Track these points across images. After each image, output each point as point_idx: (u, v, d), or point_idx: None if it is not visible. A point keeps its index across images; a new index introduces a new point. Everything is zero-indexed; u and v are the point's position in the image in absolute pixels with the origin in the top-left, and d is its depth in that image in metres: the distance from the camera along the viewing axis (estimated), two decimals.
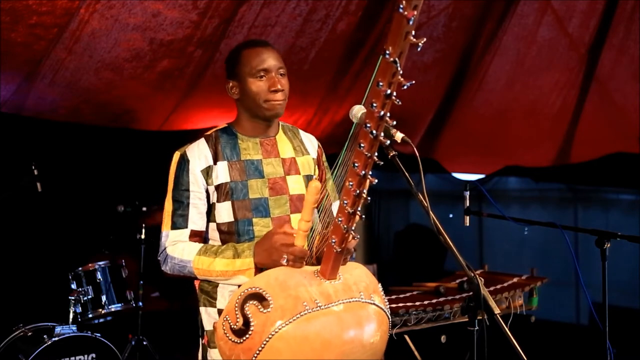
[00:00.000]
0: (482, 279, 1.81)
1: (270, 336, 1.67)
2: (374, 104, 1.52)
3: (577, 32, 5.15)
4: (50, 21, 3.83)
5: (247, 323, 1.70)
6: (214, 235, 2.03)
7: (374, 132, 1.55)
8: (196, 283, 2.07)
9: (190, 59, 4.55)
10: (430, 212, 1.77)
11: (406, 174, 1.84)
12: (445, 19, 4.98)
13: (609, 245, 2.69)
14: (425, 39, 1.46)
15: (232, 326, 1.71)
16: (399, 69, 1.46)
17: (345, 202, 1.66)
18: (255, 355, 1.68)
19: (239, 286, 1.86)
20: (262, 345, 1.68)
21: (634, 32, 5.00)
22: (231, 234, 2.00)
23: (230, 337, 1.72)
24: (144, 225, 4.42)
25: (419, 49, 1.46)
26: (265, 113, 2.04)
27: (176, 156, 2.04)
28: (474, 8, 5.05)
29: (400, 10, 1.39)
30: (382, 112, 1.52)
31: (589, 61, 5.36)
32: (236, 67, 2.04)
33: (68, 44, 4.05)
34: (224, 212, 2.00)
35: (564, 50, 5.32)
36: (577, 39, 5.20)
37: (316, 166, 2.18)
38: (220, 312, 1.98)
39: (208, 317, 2.02)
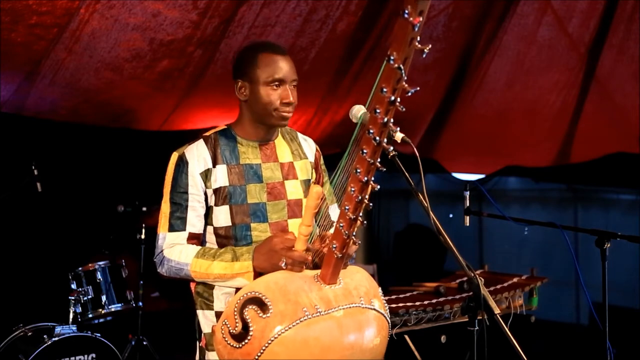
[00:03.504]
0: (482, 279, 1.81)
1: (269, 342, 1.66)
2: (378, 110, 1.50)
3: (577, 32, 5.15)
4: (50, 21, 3.83)
5: (246, 328, 1.69)
6: (211, 239, 2.01)
7: (377, 138, 1.54)
8: (192, 286, 2.06)
9: (190, 59, 4.55)
10: (430, 212, 1.77)
11: (406, 174, 1.84)
12: (445, 19, 4.98)
13: (609, 245, 2.69)
14: (430, 46, 1.44)
15: (231, 330, 1.70)
16: (403, 75, 1.44)
17: (347, 207, 1.65)
18: None
19: (237, 289, 1.85)
20: (262, 351, 1.67)
21: (634, 32, 5.00)
22: (228, 239, 1.98)
23: (229, 342, 1.71)
24: (144, 225, 4.43)
25: (424, 55, 1.44)
26: (273, 122, 2.02)
27: (174, 157, 2.01)
28: (474, 8, 5.04)
29: (406, 16, 1.36)
30: (385, 119, 1.51)
31: (589, 61, 5.36)
32: (250, 69, 2.00)
33: (68, 44, 4.05)
34: (222, 216, 1.98)
35: (564, 50, 5.32)
36: (577, 39, 5.20)
37: (314, 170, 2.17)
38: (217, 314, 1.97)
39: (205, 319, 2.00)
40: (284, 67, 1.99)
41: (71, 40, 4.02)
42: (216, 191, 1.98)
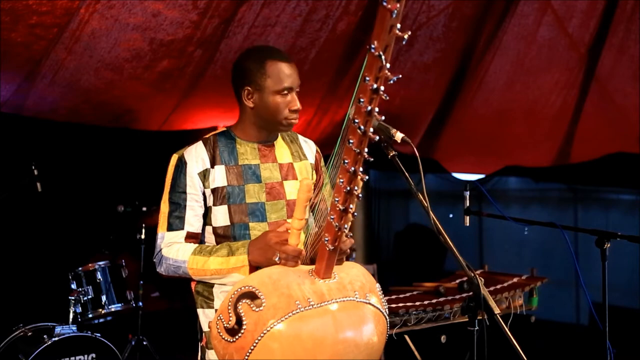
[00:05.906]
0: (482, 279, 1.81)
1: (262, 335, 1.67)
2: (362, 99, 1.51)
3: (577, 32, 5.15)
4: (50, 21, 3.83)
5: (239, 322, 1.69)
6: (210, 239, 2.03)
7: (362, 127, 1.54)
8: (192, 285, 2.07)
9: (190, 59, 4.55)
10: (430, 212, 1.77)
11: (406, 174, 1.84)
12: (445, 19, 4.98)
13: (609, 245, 2.69)
14: (409, 32, 1.45)
15: (225, 325, 1.71)
16: (384, 63, 1.45)
17: (337, 199, 1.66)
18: (248, 354, 1.68)
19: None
20: (254, 344, 1.67)
21: (634, 32, 5.00)
22: (227, 238, 2.00)
23: (223, 336, 1.72)
24: (144, 225, 4.43)
25: (404, 42, 1.44)
26: (280, 128, 2.06)
27: (174, 159, 2.05)
28: (474, 8, 5.05)
29: (384, 4, 1.37)
30: (369, 107, 1.51)
31: (589, 61, 5.36)
32: (258, 77, 2.00)
33: (68, 44, 4.05)
34: (220, 216, 2.00)
35: (564, 50, 5.32)
36: (577, 39, 5.20)
37: (314, 171, 2.18)
38: None
39: (205, 318, 2.01)
40: (292, 75, 2.02)
41: (71, 40, 4.03)
42: (214, 191, 2.00)
